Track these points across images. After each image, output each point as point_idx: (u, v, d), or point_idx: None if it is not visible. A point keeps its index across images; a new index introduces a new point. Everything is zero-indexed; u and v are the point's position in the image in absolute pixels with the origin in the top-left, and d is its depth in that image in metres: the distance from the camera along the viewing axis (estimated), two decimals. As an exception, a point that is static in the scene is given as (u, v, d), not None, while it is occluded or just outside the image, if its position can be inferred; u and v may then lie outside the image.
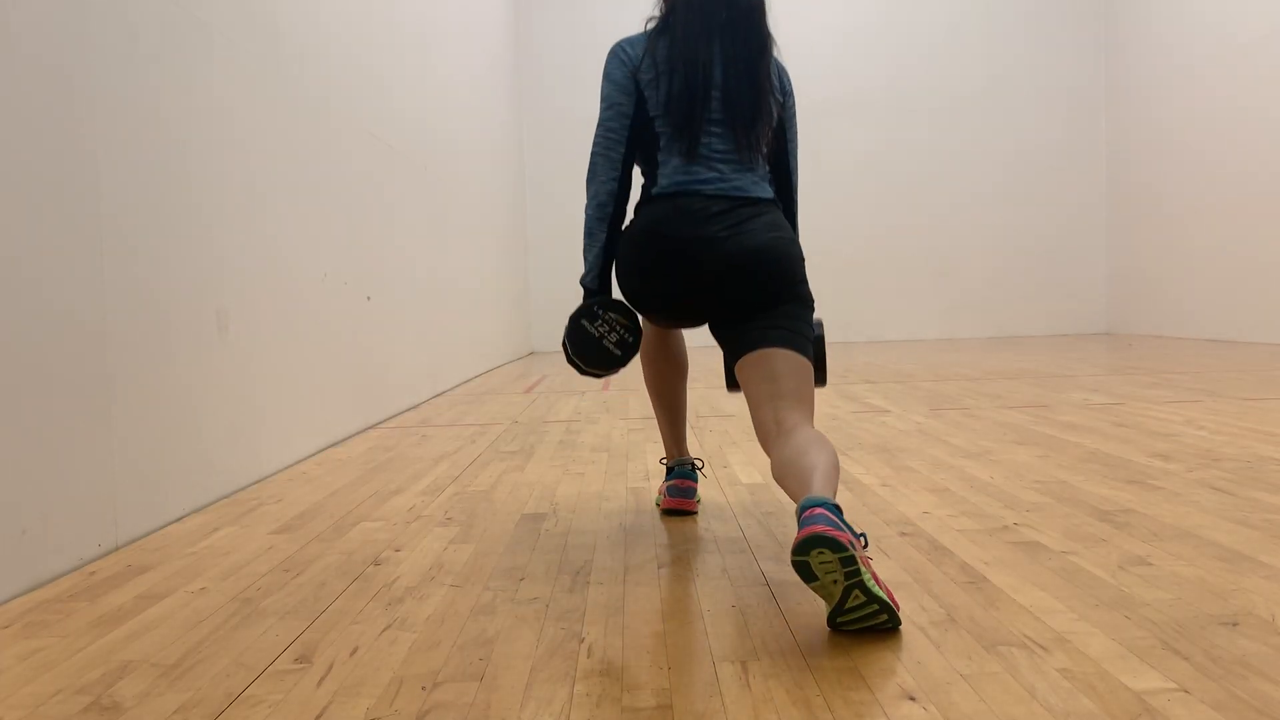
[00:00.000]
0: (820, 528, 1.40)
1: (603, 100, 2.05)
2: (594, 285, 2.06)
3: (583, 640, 1.44)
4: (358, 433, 3.88)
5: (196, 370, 2.53)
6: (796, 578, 1.65)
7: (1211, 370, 5.54)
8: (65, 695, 1.31)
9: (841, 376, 5.91)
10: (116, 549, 2.09)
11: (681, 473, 2.28)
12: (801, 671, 1.30)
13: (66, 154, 1.99)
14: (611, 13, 10.20)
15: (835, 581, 1.40)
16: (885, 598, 1.42)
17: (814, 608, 1.55)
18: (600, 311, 2.03)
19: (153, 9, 2.38)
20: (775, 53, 2.07)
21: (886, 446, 3.15)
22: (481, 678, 1.32)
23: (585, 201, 2.05)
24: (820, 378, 1.97)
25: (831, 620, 1.44)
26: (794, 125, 2.19)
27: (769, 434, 1.84)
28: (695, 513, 2.29)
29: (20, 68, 1.85)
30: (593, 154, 2.04)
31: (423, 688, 1.29)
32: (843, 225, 10.32)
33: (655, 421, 3.61)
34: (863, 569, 1.40)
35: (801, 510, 1.48)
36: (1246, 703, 1.15)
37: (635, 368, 7.19)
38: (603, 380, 6.09)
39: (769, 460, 1.89)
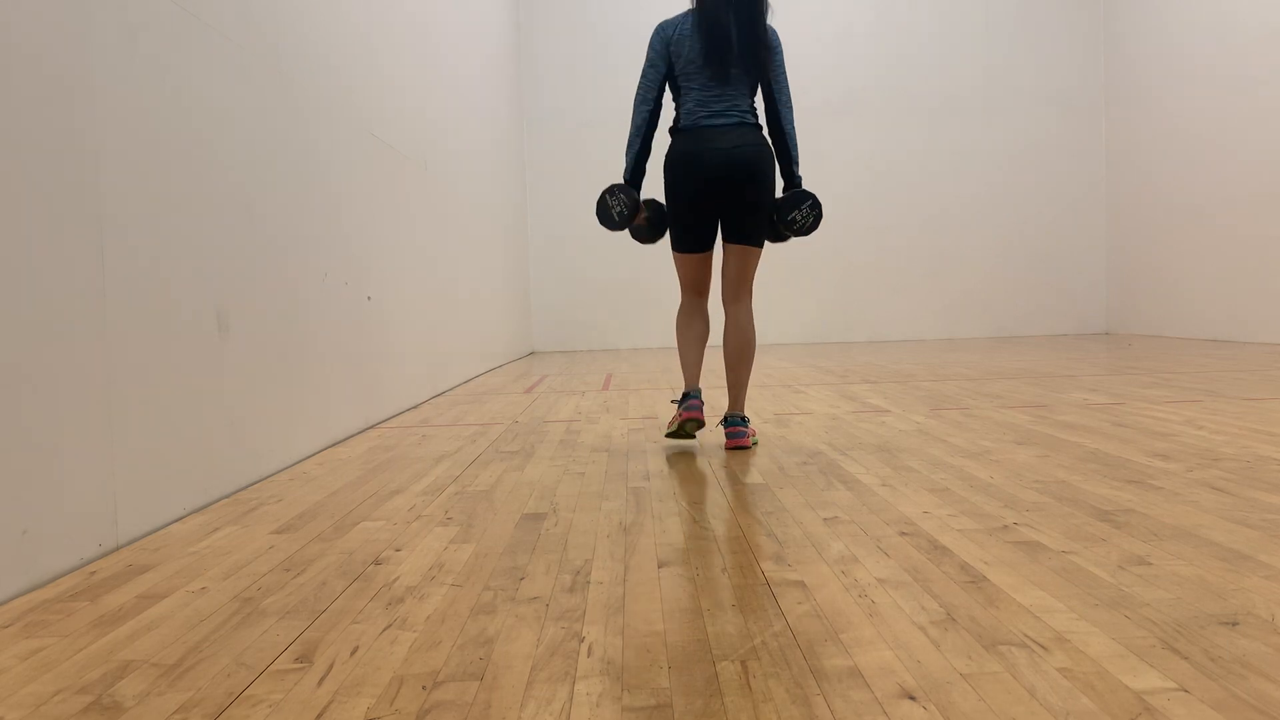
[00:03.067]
0: (735, 440, 3.21)
1: (646, 60, 3.19)
2: (627, 178, 3.22)
3: (583, 640, 1.44)
4: (358, 432, 3.88)
5: (196, 370, 2.53)
6: (797, 577, 1.73)
7: (1211, 370, 5.54)
8: (66, 695, 1.31)
9: (841, 377, 5.91)
10: (117, 548, 2.09)
11: (694, 394, 3.25)
12: (801, 671, 1.30)
13: (66, 154, 1.99)
14: (611, 13, 10.20)
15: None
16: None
17: (813, 607, 1.55)
18: (617, 190, 3.22)
19: (153, 9, 2.38)
20: (769, 17, 3.15)
21: (886, 446, 3.15)
22: (482, 677, 1.32)
23: (630, 123, 3.20)
24: (814, 219, 3.23)
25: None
26: (782, 71, 3.19)
27: (726, 294, 3.26)
28: (703, 423, 3.26)
29: (20, 68, 1.86)
30: (637, 93, 3.20)
31: (423, 687, 1.29)
32: (843, 225, 10.31)
33: (655, 420, 4.04)
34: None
35: (727, 422, 3.24)
36: (1246, 702, 1.16)
37: (639, 364, 7.19)
38: (604, 380, 6.13)
39: (724, 315, 3.31)
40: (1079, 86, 10.38)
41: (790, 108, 3.20)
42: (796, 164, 3.22)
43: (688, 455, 3.15)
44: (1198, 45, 8.71)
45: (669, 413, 4.19)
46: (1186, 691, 1.19)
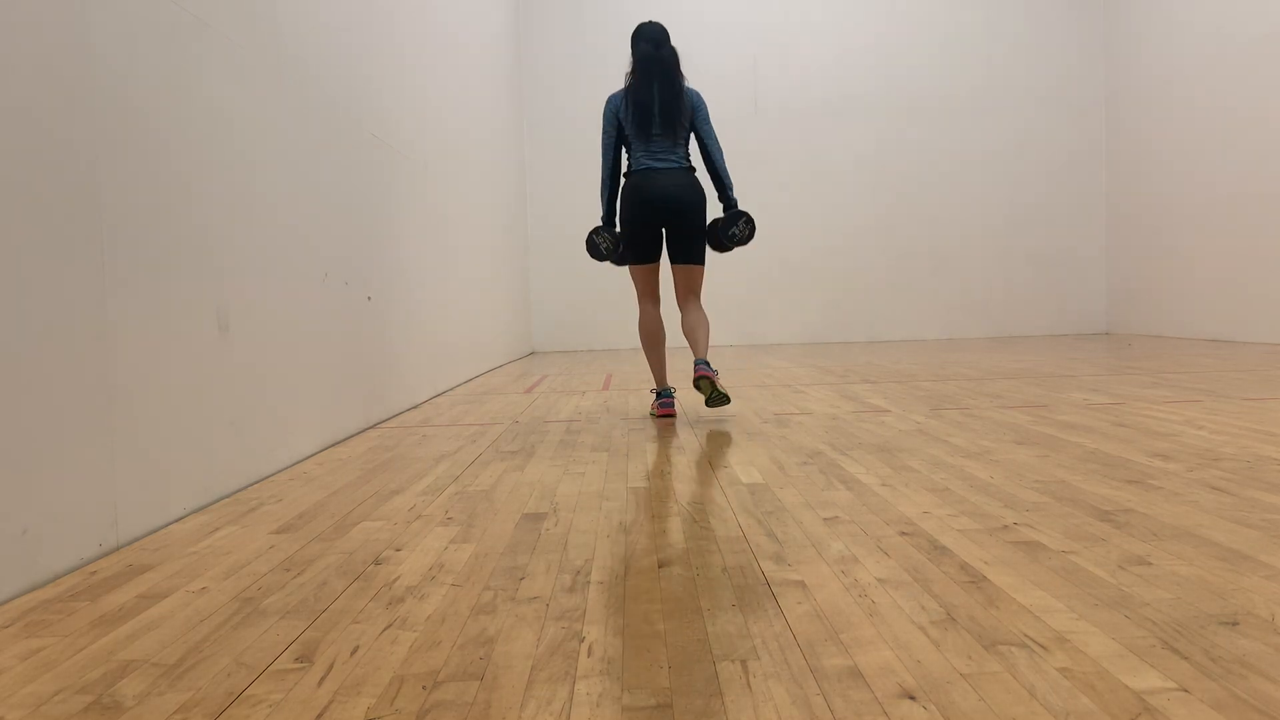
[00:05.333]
0: (701, 371, 3.84)
1: (602, 127, 4.13)
2: (605, 218, 4.15)
3: (583, 640, 1.45)
4: (358, 432, 3.88)
5: (196, 370, 2.53)
6: (797, 577, 1.73)
7: (1211, 370, 5.54)
8: (66, 695, 1.31)
9: (841, 377, 5.91)
10: (117, 548, 2.09)
11: (666, 394, 4.20)
12: (801, 671, 1.30)
13: (66, 154, 1.99)
14: (611, 14, 10.20)
15: (707, 391, 3.83)
16: (726, 392, 3.87)
17: (813, 608, 1.55)
18: (603, 230, 4.11)
19: (153, 9, 2.38)
20: (687, 84, 4.07)
21: (886, 446, 3.15)
22: (482, 677, 1.32)
23: (600, 174, 4.16)
24: (749, 231, 4.12)
25: (707, 404, 3.91)
26: (706, 121, 4.08)
27: (679, 300, 4.13)
28: (674, 416, 4.15)
29: (20, 68, 1.86)
30: (602, 149, 4.13)
31: (423, 687, 1.29)
32: (843, 225, 10.32)
33: (651, 419, 4.12)
34: (716, 384, 3.84)
35: (696, 364, 3.88)
36: (1246, 702, 1.16)
37: (639, 364, 7.19)
38: (604, 380, 6.13)
39: (679, 315, 4.15)
40: (1079, 87, 10.38)
41: (718, 148, 4.08)
42: (730, 190, 4.09)
43: (688, 455, 3.16)
44: (1197, 45, 8.71)
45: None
46: (1186, 691, 1.19)
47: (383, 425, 4.13)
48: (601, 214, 4.15)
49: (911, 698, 1.20)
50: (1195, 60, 8.75)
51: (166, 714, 1.23)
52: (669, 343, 4.37)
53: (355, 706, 1.24)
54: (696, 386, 3.87)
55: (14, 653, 1.47)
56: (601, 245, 4.09)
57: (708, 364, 3.95)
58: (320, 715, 1.22)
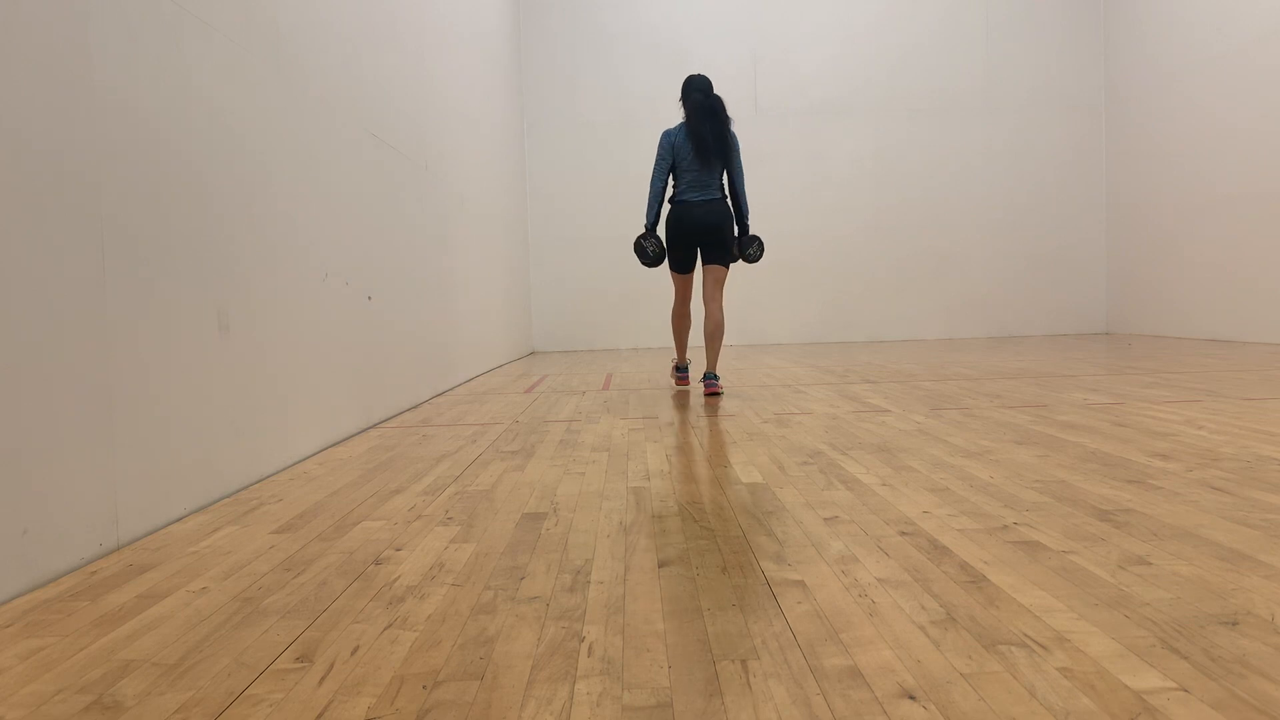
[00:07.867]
0: (710, 388, 4.89)
1: (658, 154, 4.98)
2: (651, 227, 5.01)
3: (583, 640, 1.45)
4: (358, 432, 3.88)
5: (197, 370, 2.53)
6: (797, 577, 1.73)
7: (1211, 370, 5.54)
8: (67, 694, 1.31)
9: (841, 376, 5.92)
10: (118, 548, 2.09)
11: (684, 370, 5.38)
12: (801, 671, 1.30)
13: (66, 154, 1.99)
14: (611, 15, 10.20)
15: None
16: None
17: (813, 608, 1.55)
18: (650, 235, 5.00)
19: (153, 9, 2.38)
20: (730, 126, 4.96)
21: (886, 446, 3.15)
22: (482, 677, 1.32)
23: (649, 191, 5.03)
24: (759, 251, 5.08)
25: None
26: (739, 158, 4.97)
27: (706, 295, 5.02)
28: (689, 388, 5.28)
29: (20, 68, 1.86)
30: (653, 174, 5.00)
31: (423, 686, 1.29)
32: (843, 225, 10.32)
33: (651, 420, 4.11)
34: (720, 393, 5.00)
35: (705, 380, 4.94)
36: (1246, 702, 1.16)
37: (640, 364, 7.20)
38: (604, 380, 6.14)
39: (703, 311, 5.10)
40: (1079, 87, 10.38)
41: (743, 181, 4.98)
42: (746, 217, 5.02)
43: (688, 455, 3.16)
44: (1197, 44, 8.71)
45: (668, 413, 4.29)
46: (1186, 691, 1.19)
47: (383, 425, 4.13)
48: (646, 223, 5.01)
49: (911, 698, 1.20)
50: (1195, 59, 8.75)
51: (166, 714, 1.23)
52: (691, 340, 5.28)
53: (355, 706, 1.24)
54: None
55: (14, 652, 1.47)
56: (649, 248, 4.97)
57: (716, 379, 4.97)
58: (320, 715, 1.22)
